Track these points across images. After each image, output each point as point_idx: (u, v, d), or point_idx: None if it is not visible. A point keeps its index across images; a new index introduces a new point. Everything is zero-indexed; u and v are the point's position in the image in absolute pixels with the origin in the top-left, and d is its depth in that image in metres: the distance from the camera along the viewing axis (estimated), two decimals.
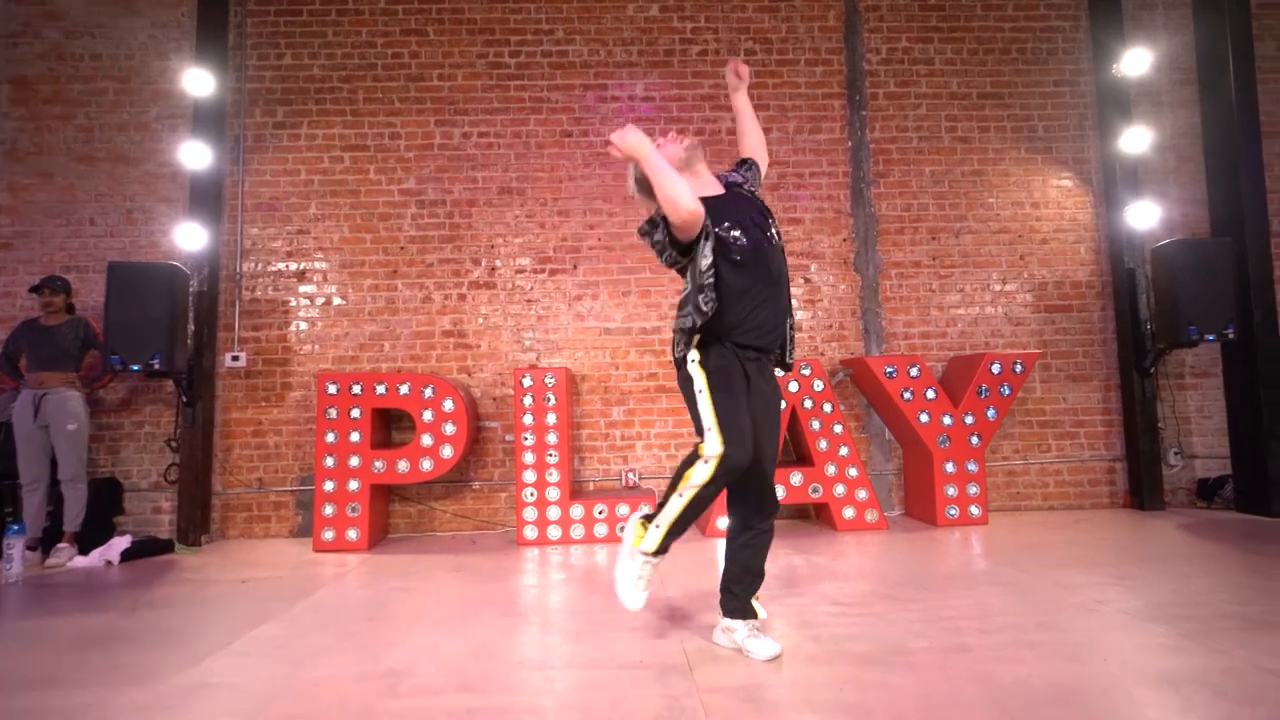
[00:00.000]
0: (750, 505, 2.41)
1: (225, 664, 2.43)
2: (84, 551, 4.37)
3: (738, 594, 2.41)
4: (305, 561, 4.24)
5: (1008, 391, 4.75)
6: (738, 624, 2.40)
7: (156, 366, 4.38)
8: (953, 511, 4.67)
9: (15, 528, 3.97)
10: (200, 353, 4.89)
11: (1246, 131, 4.95)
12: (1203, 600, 2.87)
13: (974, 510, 4.68)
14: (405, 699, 2.06)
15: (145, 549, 4.51)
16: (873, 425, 5.20)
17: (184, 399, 4.82)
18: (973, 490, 4.69)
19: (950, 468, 4.69)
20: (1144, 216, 5.11)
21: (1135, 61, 5.14)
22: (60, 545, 4.36)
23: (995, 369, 4.73)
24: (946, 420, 4.70)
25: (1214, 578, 3.24)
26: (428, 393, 4.57)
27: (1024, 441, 5.26)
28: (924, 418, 4.69)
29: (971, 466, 4.70)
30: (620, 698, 2.04)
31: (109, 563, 4.30)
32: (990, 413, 4.74)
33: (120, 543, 4.44)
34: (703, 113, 5.32)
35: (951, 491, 4.68)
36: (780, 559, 3.82)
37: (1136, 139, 5.15)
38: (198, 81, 4.88)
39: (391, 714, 1.96)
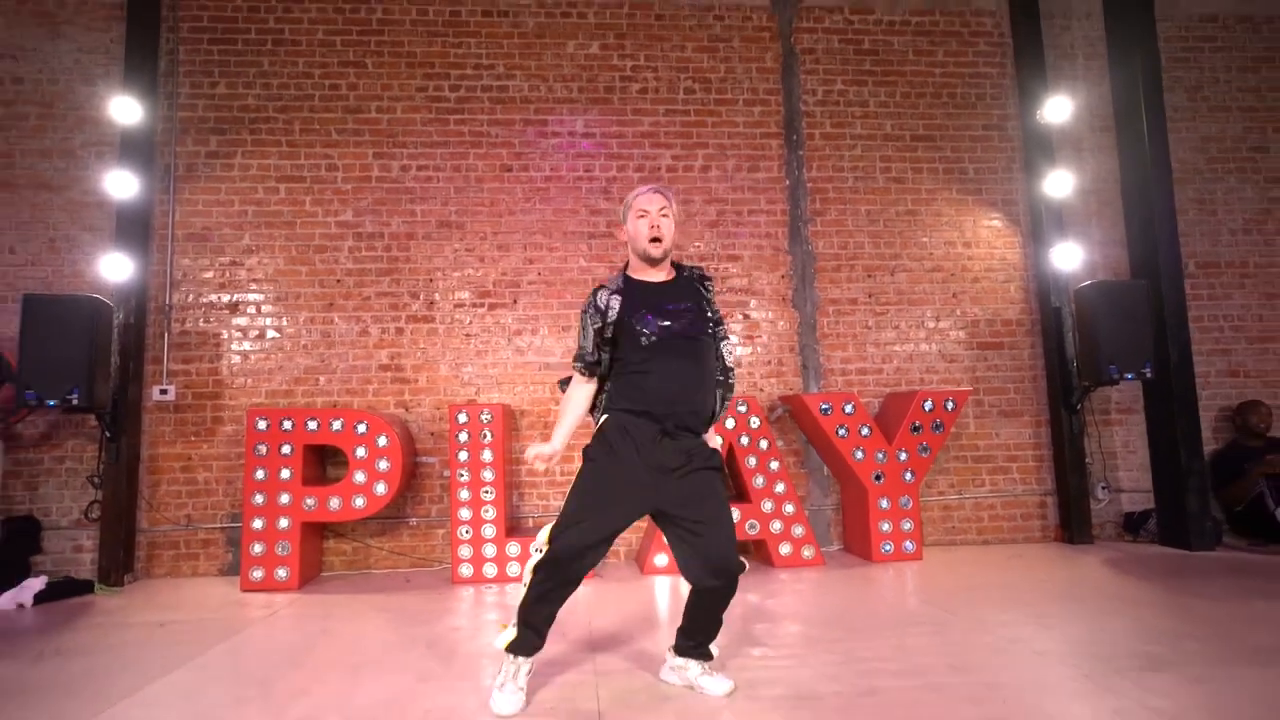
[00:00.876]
0: (695, 570, 2.39)
1: (128, 714, 2.34)
2: None
3: (697, 641, 2.49)
4: (231, 602, 4.12)
5: (940, 428, 4.86)
6: (691, 663, 2.48)
7: (75, 401, 4.23)
8: (887, 547, 4.74)
9: None
10: (125, 386, 4.74)
11: (1160, 177, 5.18)
12: (1112, 639, 2.96)
13: (908, 545, 4.76)
14: None
15: (62, 590, 4.33)
16: (811, 461, 5.27)
17: (107, 434, 4.66)
18: (906, 526, 4.77)
19: (885, 504, 4.76)
20: (1068, 257, 5.30)
21: (1057, 109, 5.36)
22: None
23: (928, 406, 4.83)
24: (880, 456, 4.78)
25: (1126, 616, 3.34)
26: (361, 428, 4.50)
27: (959, 476, 5.37)
28: (859, 454, 4.77)
29: (905, 502, 4.79)
30: None
31: (21, 605, 4.11)
32: (923, 449, 4.84)
33: (34, 584, 4.25)
34: (642, 149, 5.38)
35: (886, 527, 4.75)
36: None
37: (1060, 183, 5.36)
38: (125, 109, 4.77)
39: None
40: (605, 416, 2.44)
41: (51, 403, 4.19)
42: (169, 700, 2.51)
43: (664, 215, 2.48)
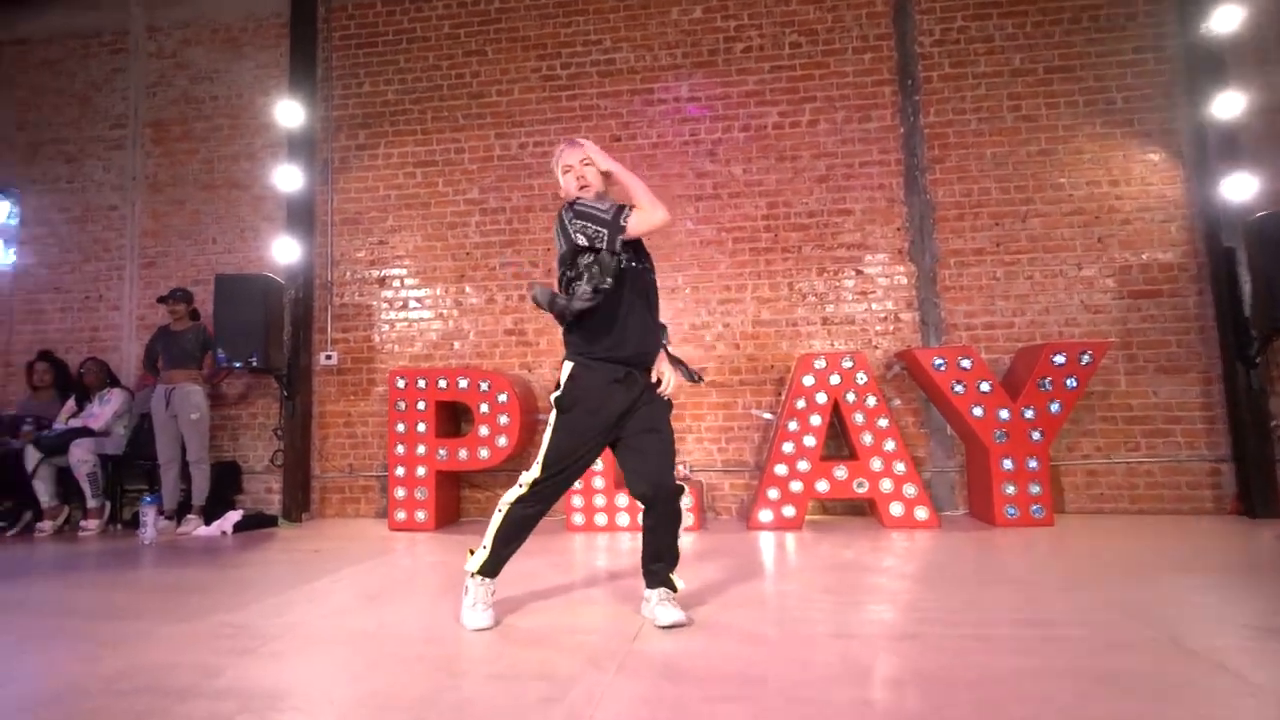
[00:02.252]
0: (639, 490, 2.53)
1: (269, 606, 2.84)
2: (208, 523, 5.10)
3: (655, 570, 2.57)
4: (377, 537, 4.71)
5: (1074, 384, 4.46)
6: (652, 594, 2.56)
7: (255, 364, 5.03)
8: (1012, 511, 4.44)
9: (148, 499, 4.73)
10: (298, 352, 5.53)
11: None
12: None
13: (1036, 510, 4.42)
14: (371, 642, 2.34)
15: (254, 522, 5.18)
16: (932, 420, 5.04)
17: (285, 393, 5.47)
18: (1034, 489, 4.44)
19: (1009, 464, 4.46)
20: (1243, 188, 4.61)
21: (1227, 18, 4.65)
22: (189, 516, 5.11)
23: (1058, 360, 4.45)
24: (1003, 414, 4.48)
25: None
26: (484, 386, 4.93)
27: (1106, 439, 4.89)
28: (977, 411, 4.49)
29: (1032, 464, 4.45)
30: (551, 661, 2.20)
31: (224, 533, 4.98)
32: (1054, 406, 4.46)
33: (234, 516, 5.13)
34: (747, 108, 5.36)
35: (1010, 490, 4.45)
36: (823, 553, 3.85)
37: (1232, 103, 4.66)
38: (289, 113, 5.52)
39: (360, 644, 2.24)
40: (572, 364, 2.54)
41: (237, 364, 5.01)
42: (300, 600, 2.99)
43: (586, 165, 2.61)
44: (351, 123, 5.81)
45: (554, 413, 2.52)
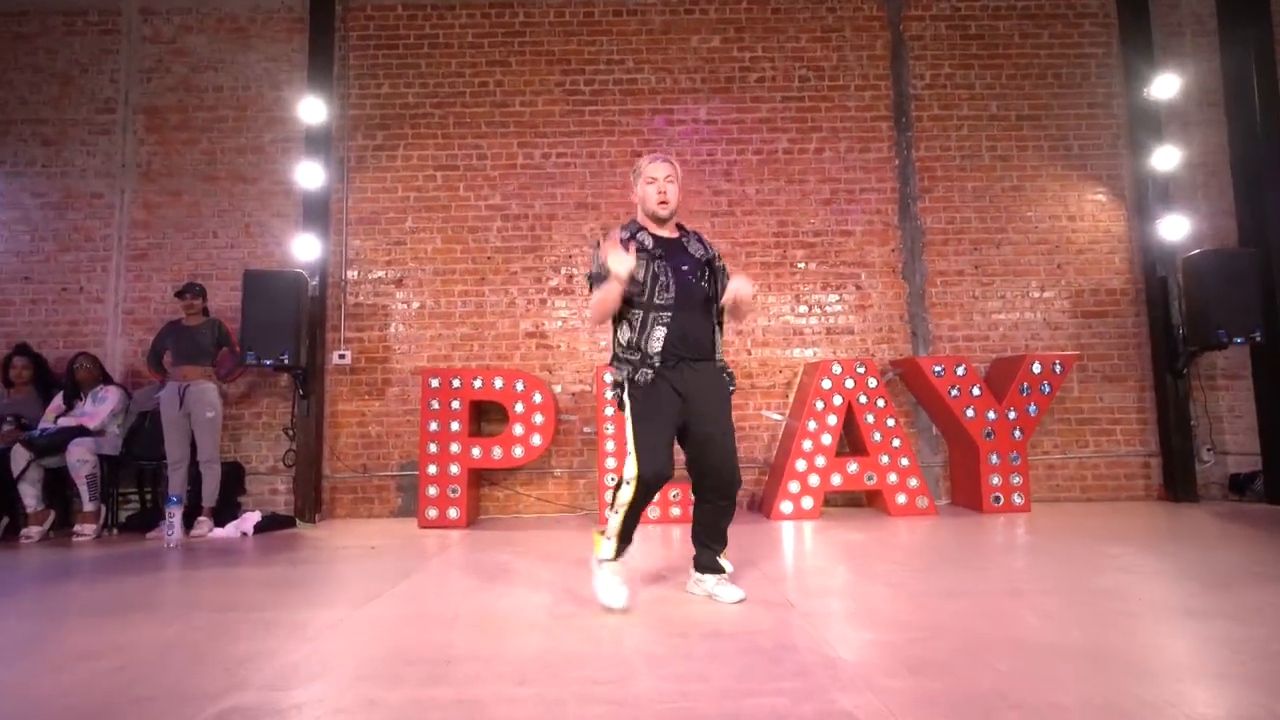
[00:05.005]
0: (706, 484, 2.83)
1: (388, 603, 2.96)
2: (218, 524, 4.96)
3: (709, 554, 2.88)
4: (415, 535, 4.77)
5: (1048, 389, 5.17)
6: (708, 577, 2.87)
7: (286, 361, 4.96)
8: (997, 499, 5.09)
9: (174, 499, 4.58)
10: (313, 351, 5.47)
11: (1271, 146, 5.33)
12: (1227, 564, 3.28)
13: (1017, 499, 5.09)
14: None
15: (272, 523, 5.08)
16: (920, 421, 5.64)
17: (300, 392, 5.40)
18: (1015, 480, 5.11)
19: (995, 459, 5.11)
20: (1175, 229, 5.50)
21: (1165, 86, 5.55)
22: (200, 518, 4.94)
23: (1036, 369, 5.15)
24: (990, 415, 5.13)
25: (1236, 550, 3.64)
26: (519, 386, 5.10)
27: (1063, 437, 5.65)
28: (970, 413, 5.12)
29: (1014, 458, 5.12)
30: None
31: (244, 534, 4.87)
32: (1031, 409, 5.15)
33: (252, 517, 5.01)
34: (760, 134, 5.82)
35: (996, 481, 5.10)
36: (839, 539, 4.29)
37: (1167, 157, 5.55)
38: (311, 109, 5.48)
39: (439, 658, 2.46)
40: (627, 369, 2.76)
41: (268, 362, 4.93)
42: (401, 598, 3.12)
43: (670, 182, 2.85)
44: (369, 123, 5.82)
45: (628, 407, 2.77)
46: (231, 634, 2.45)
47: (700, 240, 2.97)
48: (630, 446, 2.71)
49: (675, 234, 2.93)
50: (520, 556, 3.90)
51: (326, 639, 2.39)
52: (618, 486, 2.74)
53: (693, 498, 2.92)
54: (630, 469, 2.67)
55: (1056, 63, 5.91)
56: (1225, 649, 2.10)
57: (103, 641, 2.39)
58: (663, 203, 2.84)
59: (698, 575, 2.92)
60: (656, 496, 2.88)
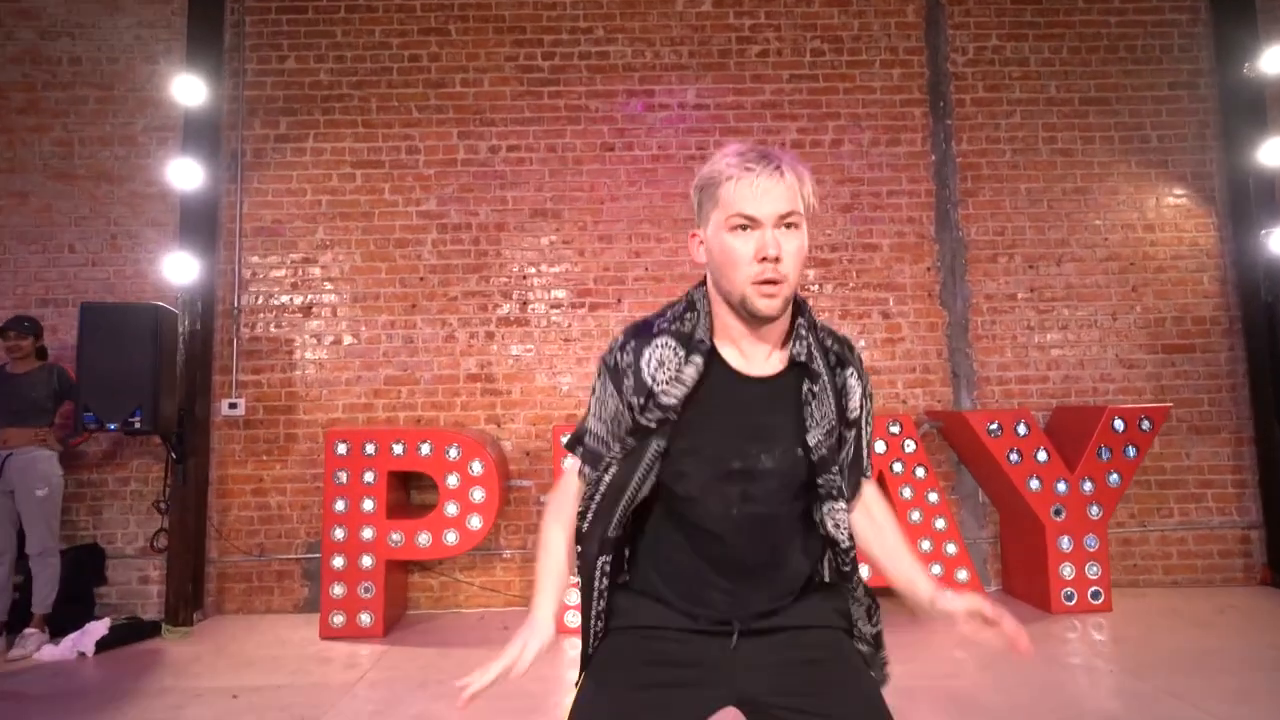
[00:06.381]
0: None
1: None
2: (56, 635, 3.77)
3: None
4: (310, 656, 3.61)
5: (1133, 454, 4.03)
6: None
7: (138, 425, 3.75)
8: (1069, 596, 3.95)
9: None
10: (193, 400, 4.25)
11: None
12: None
13: (1094, 595, 3.95)
14: None
15: (126, 635, 3.89)
16: (964, 485, 4.50)
17: (174, 456, 4.19)
18: (1092, 571, 3.97)
19: (1066, 544, 3.97)
20: None
21: (1272, 60, 4.40)
22: (28, 631, 3.75)
23: (1118, 425, 4.01)
24: (1061, 487, 3.98)
25: None
26: (452, 453, 3.91)
27: (1140, 505, 4.52)
28: (1034, 484, 3.98)
29: (1091, 543, 3.98)
30: None
31: (82, 654, 3.68)
32: (1113, 478, 4.02)
33: (97, 628, 3.82)
34: (763, 121, 4.64)
35: (1068, 573, 3.96)
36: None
37: (1273, 151, 4.41)
38: (188, 89, 4.25)
39: None
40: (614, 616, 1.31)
41: (112, 426, 3.71)
42: None
43: (789, 225, 1.17)
44: (270, 106, 4.59)
45: None
46: None
47: (840, 352, 1.29)
48: None
49: (781, 356, 1.26)
50: (455, 694, 2.73)
51: None
52: None
53: None
54: None
55: (1131, 33, 4.74)
56: None
57: None
58: (770, 281, 1.17)
59: None
60: None
